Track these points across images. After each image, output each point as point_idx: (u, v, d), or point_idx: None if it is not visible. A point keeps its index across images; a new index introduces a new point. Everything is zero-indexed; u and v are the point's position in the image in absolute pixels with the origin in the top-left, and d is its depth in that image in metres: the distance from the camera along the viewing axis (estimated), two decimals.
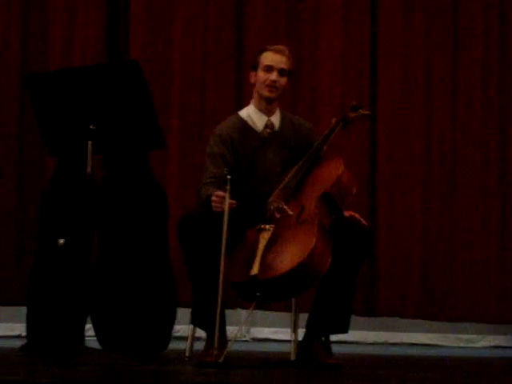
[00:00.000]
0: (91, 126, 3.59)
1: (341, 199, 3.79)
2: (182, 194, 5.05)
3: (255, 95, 4.00)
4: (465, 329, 5.43)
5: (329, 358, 3.73)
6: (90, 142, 3.59)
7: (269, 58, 3.93)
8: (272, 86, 3.92)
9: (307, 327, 3.81)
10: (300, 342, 3.85)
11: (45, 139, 3.71)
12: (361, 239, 3.78)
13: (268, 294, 3.54)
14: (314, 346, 3.76)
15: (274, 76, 3.91)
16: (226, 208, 3.57)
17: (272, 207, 3.72)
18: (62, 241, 3.60)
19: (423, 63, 5.37)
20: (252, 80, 3.99)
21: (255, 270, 3.52)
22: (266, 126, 4.00)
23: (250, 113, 4.02)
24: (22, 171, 5.02)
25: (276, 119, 4.02)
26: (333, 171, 3.83)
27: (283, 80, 3.94)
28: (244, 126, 4.00)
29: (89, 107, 3.60)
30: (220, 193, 3.64)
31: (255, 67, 3.96)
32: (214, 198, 3.66)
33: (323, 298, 3.77)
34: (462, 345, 5.44)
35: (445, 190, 5.36)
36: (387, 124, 5.33)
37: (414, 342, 5.42)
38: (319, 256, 3.56)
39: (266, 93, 3.94)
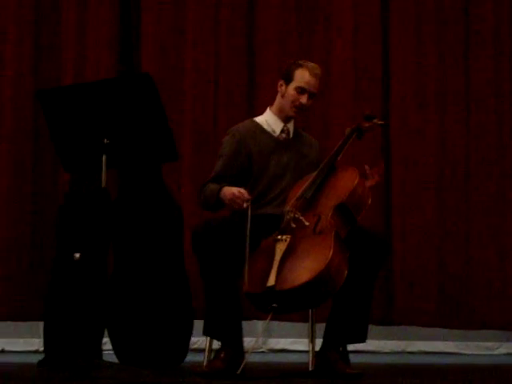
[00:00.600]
0: (105, 140, 3.60)
1: (356, 210, 3.78)
2: (195, 206, 5.02)
3: (278, 104, 4.01)
4: (483, 336, 5.41)
5: (347, 367, 3.73)
6: (104, 156, 3.59)
7: (305, 79, 3.92)
8: (300, 108, 3.94)
9: (324, 337, 3.81)
10: (317, 352, 3.83)
11: (59, 154, 3.71)
12: (377, 248, 3.78)
13: (284, 305, 3.53)
14: (331, 355, 3.74)
15: (304, 100, 3.93)
16: (248, 218, 3.61)
17: (288, 217, 3.71)
18: (77, 255, 3.60)
19: (435, 75, 5.37)
20: (280, 89, 3.98)
21: (272, 280, 3.50)
22: (282, 131, 4.02)
23: (266, 118, 4.04)
24: (36, 186, 5.01)
25: (291, 128, 4.05)
26: (348, 182, 3.81)
27: (310, 102, 3.96)
28: (259, 128, 4.02)
29: (102, 121, 3.60)
30: (239, 200, 3.68)
31: (287, 80, 3.95)
32: (230, 202, 3.72)
33: (340, 307, 3.76)
34: (480, 352, 5.42)
35: (459, 198, 5.35)
36: (400, 133, 5.33)
37: (431, 350, 5.41)
38: (336, 268, 3.54)
39: (291, 113, 3.97)
